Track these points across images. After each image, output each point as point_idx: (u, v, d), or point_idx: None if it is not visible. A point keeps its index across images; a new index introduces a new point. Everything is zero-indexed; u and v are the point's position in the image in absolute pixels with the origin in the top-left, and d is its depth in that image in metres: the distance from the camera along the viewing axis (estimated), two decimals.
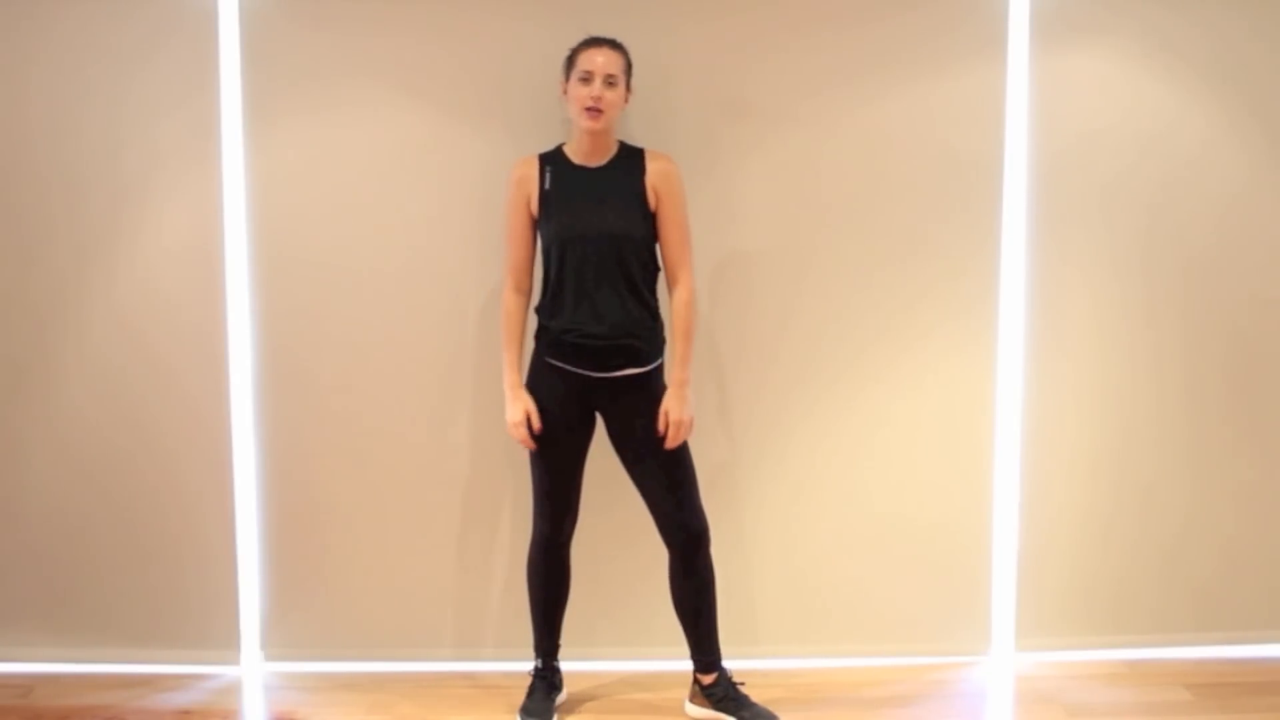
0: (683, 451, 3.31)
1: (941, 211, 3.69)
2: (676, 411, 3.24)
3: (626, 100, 3.27)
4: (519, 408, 3.28)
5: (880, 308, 3.71)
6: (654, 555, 3.40)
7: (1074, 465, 3.79)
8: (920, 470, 3.76)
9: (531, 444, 3.30)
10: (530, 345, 3.37)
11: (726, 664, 3.42)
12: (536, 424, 3.27)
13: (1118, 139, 3.70)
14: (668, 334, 3.33)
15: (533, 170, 3.29)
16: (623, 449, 3.32)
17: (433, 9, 3.61)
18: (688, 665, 3.45)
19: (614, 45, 3.24)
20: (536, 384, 3.32)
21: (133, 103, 3.63)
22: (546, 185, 3.26)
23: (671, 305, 3.31)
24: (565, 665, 3.52)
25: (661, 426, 3.24)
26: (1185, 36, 3.67)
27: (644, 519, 3.36)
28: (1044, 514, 3.78)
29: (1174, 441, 3.79)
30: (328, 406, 3.71)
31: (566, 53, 3.27)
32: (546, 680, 3.46)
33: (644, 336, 3.26)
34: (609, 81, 3.19)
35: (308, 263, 3.68)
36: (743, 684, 3.40)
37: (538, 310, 3.33)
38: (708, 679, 3.39)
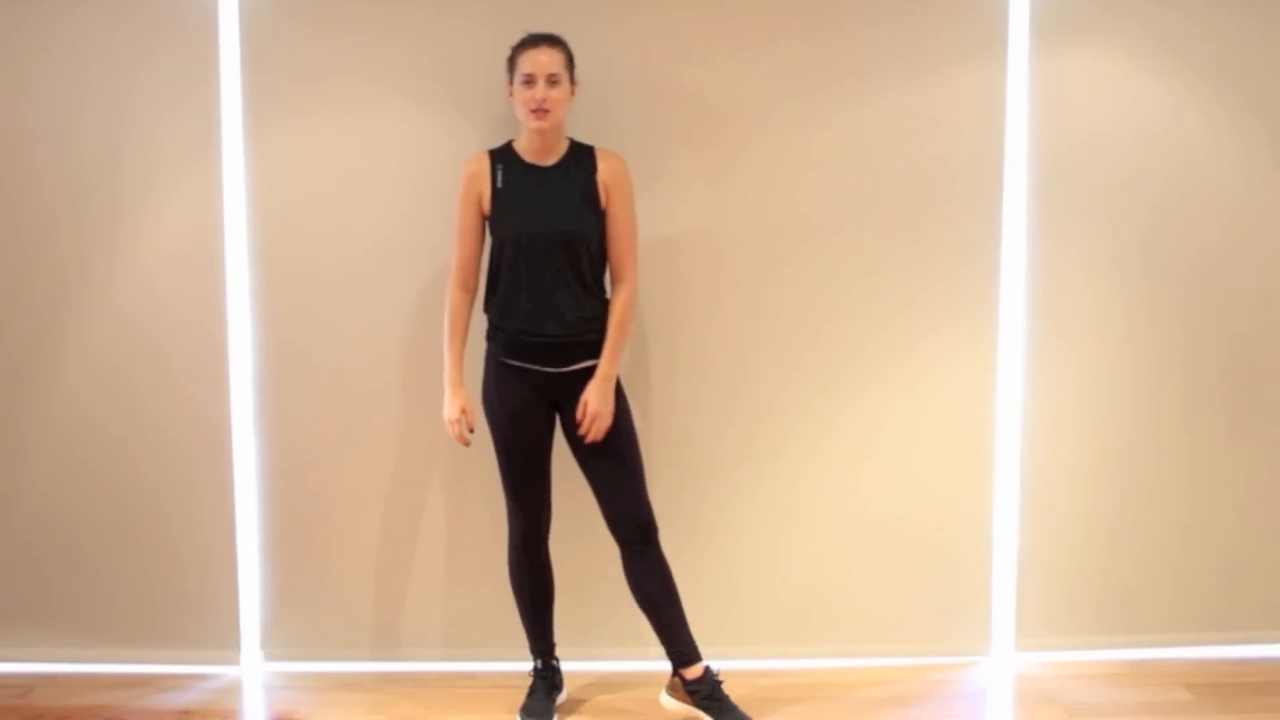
0: (632, 445, 3.31)
1: (941, 211, 3.68)
2: (595, 403, 3.23)
3: (573, 94, 3.27)
4: (457, 404, 3.30)
5: (881, 307, 3.71)
6: None
7: (1074, 465, 3.78)
8: (920, 470, 3.75)
9: (467, 440, 3.32)
10: (480, 345, 3.37)
11: (732, 663, 3.40)
12: (471, 421, 3.31)
13: (1118, 139, 3.70)
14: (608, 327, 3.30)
15: (484, 167, 3.29)
16: (576, 443, 3.31)
17: (434, 9, 3.61)
18: None
19: (552, 42, 3.23)
20: (495, 386, 3.32)
21: (133, 103, 3.63)
22: (498, 183, 3.26)
23: (613, 301, 3.30)
24: (565, 665, 3.52)
25: (579, 415, 3.24)
26: (1186, 36, 3.67)
27: None
28: (1045, 514, 3.78)
29: (1175, 441, 3.79)
30: (328, 406, 3.71)
31: (508, 53, 3.26)
32: (547, 680, 3.46)
33: (599, 330, 3.27)
34: (552, 81, 3.19)
35: (308, 262, 3.68)
36: (722, 681, 3.38)
37: (488, 309, 3.32)
38: (691, 674, 3.34)
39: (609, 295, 3.33)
